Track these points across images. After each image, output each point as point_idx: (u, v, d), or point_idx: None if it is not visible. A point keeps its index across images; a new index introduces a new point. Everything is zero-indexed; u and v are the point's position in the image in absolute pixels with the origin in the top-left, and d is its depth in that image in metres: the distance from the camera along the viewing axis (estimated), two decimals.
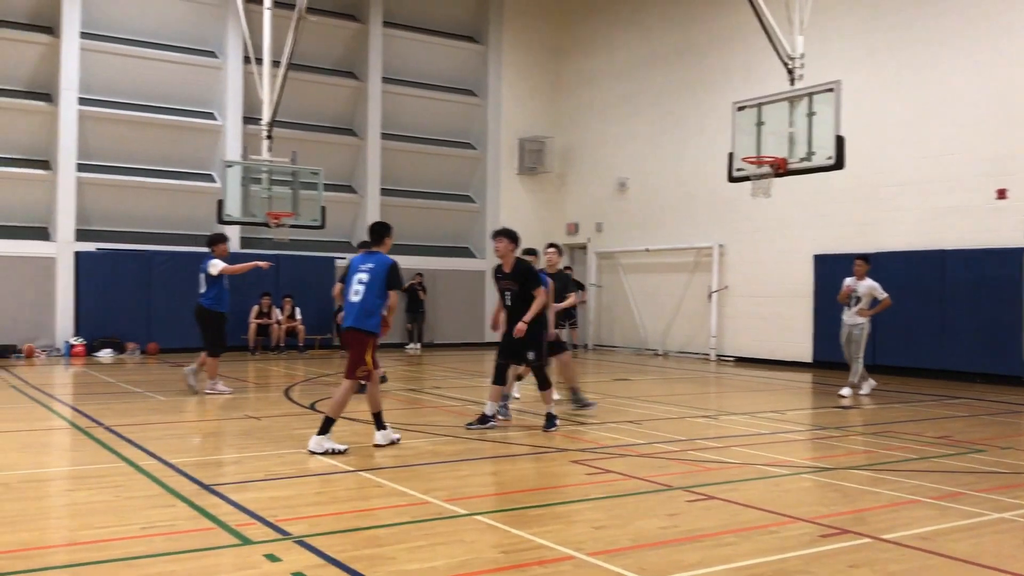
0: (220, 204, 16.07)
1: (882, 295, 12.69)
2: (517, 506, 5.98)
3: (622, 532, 5.36)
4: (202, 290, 11.95)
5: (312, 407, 10.94)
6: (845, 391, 12.67)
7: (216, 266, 11.86)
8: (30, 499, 6.28)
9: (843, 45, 16.83)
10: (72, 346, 18.25)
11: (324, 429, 7.79)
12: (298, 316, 20.07)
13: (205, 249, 12.43)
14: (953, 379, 14.33)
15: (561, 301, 10.94)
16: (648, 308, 21.38)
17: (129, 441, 8.28)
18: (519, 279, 9.21)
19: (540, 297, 9.15)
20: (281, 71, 16.18)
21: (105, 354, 18.36)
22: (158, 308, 19.19)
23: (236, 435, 9.09)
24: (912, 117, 16.01)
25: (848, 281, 12.80)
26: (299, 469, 7.17)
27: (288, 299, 20.02)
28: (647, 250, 21.22)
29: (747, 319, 18.81)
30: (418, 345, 21.56)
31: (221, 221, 16.24)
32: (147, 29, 20.12)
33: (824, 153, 11.09)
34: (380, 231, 8.27)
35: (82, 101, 19.03)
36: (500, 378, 9.39)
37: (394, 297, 7.98)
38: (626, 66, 22.28)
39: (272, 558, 4.75)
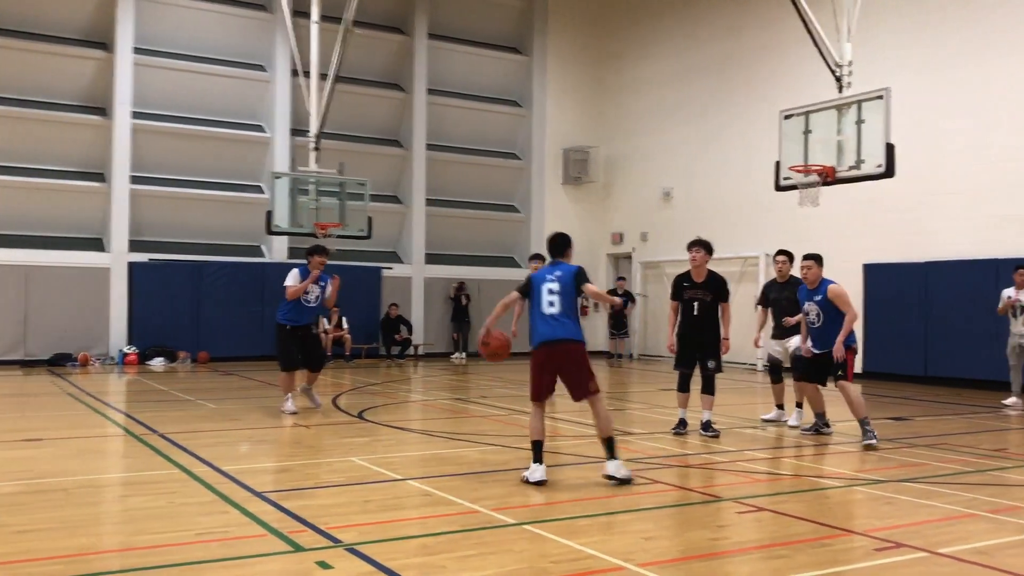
0: (269, 215, 16.29)
1: None
2: (566, 516, 5.98)
3: (672, 543, 5.34)
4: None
5: (360, 416, 11.03)
6: (1010, 400, 12.62)
7: (289, 280, 11.11)
8: (87, 504, 6.42)
9: (894, 52, 16.60)
10: (125, 355, 18.60)
11: (611, 453, 6.96)
12: (345, 326, 20.25)
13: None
14: (1010, 390, 14.00)
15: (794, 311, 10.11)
16: None
17: (182, 448, 8.42)
18: (712, 290, 9.68)
19: (727, 310, 9.76)
20: (328, 83, 16.39)
21: (157, 363, 18.69)
22: (208, 318, 19.50)
23: (286, 443, 9.20)
24: (966, 124, 15.72)
25: (1008, 292, 12.67)
26: (348, 477, 7.23)
27: (335, 309, 20.21)
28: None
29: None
30: (463, 354, 21.62)
31: (270, 232, 16.48)
32: (197, 44, 20.51)
33: (873, 161, 10.93)
34: (563, 243, 7.45)
35: (135, 115, 19.44)
36: (684, 385, 9.81)
37: (591, 288, 7.18)
38: (670, 75, 22.20)
39: (324, 565, 4.80)
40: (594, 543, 5.28)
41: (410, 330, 21.21)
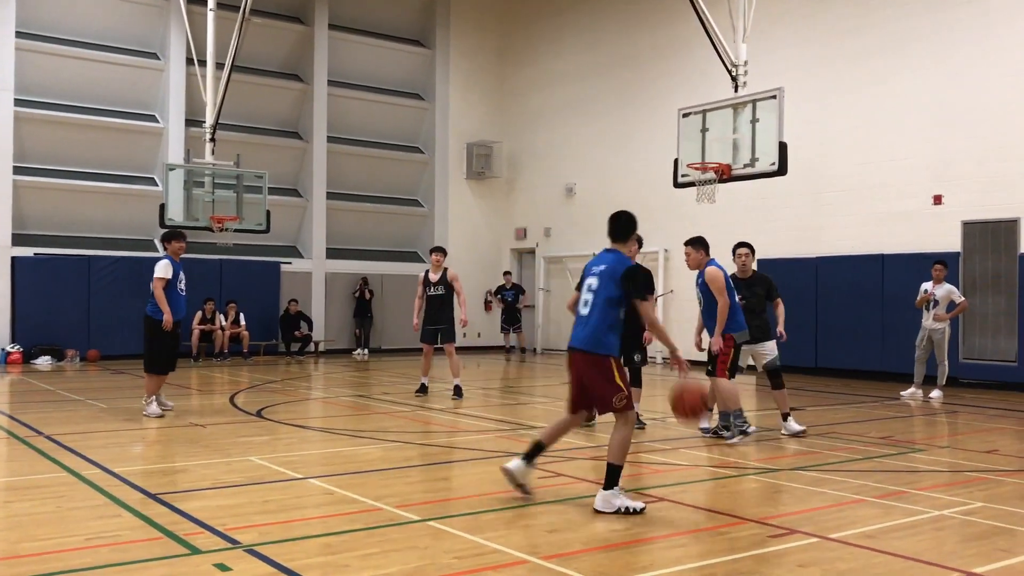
0: (162, 208, 15.84)
1: (960, 298, 13.01)
2: (470, 511, 5.97)
3: (575, 535, 5.39)
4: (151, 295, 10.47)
5: (259, 414, 10.80)
6: (936, 393, 12.89)
7: (160, 271, 10.23)
8: None
9: (787, 53, 17.16)
10: (8, 353, 17.77)
11: (610, 482, 5.96)
12: (242, 322, 19.80)
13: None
14: (894, 380, 14.65)
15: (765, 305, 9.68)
16: None
17: (70, 450, 8.09)
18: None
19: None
20: (225, 73, 15.99)
21: (43, 361, 17.92)
22: (99, 314, 18.80)
23: (181, 443, 8.93)
24: (854, 124, 16.39)
25: (926, 286, 13.07)
26: (247, 477, 7.06)
27: (232, 304, 19.74)
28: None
29: (692, 322, 18.95)
30: (365, 351, 21.41)
31: (163, 225, 16.00)
32: (85, 29, 19.72)
33: (767, 159, 11.27)
34: (627, 224, 6.35)
35: (17, 102, 18.57)
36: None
37: (644, 307, 6.01)
38: (573, 72, 22.43)
39: (222, 567, 4.67)
40: (498, 537, 5.29)
41: (310, 326, 20.87)
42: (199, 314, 19.10)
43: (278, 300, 20.97)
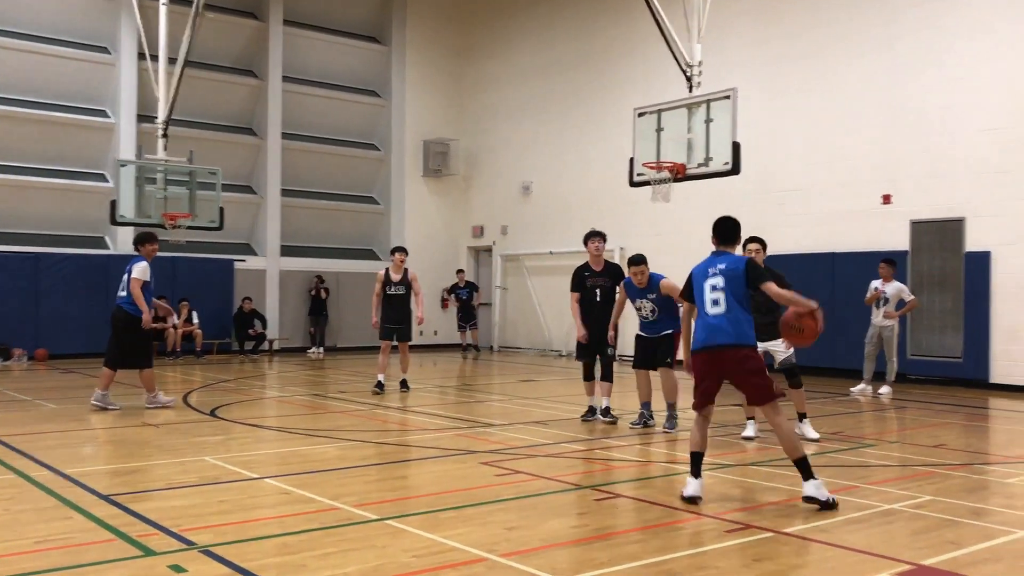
0: (113, 205, 15.55)
1: (909, 297, 13.22)
2: (428, 509, 5.97)
3: (533, 533, 5.41)
4: (122, 292, 10.85)
5: (213, 413, 10.68)
6: (885, 389, 13.15)
7: (139, 273, 10.65)
8: None
9: (741, 54, 17.36)
10: None
11: (807, 473, 6.01)
12: (195, 320, 19.54)
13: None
14: (844, 377, 14.91)
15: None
16: (552, 310, 21.58)
17: (19, 452, 7.93)
18: (612, 277, 10.12)
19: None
20: (178, 68, 15.74)
21: None
22: (47, 312, 18.44)
23: (134, 443, 8.80)
24: (806, 125, 16.64)
25: (876, 283, 13.27)
26: (201, 477, 6.98)
27: (185, 303, 19.47)
28: (551, 252, 21.43)
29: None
30: (320, 349, 21.26)
31: (114, 222, 15.74)
32: (33, 21, 19.29)
33: (721, 159, 11.38)
34: (734, 228, 6.56)
35: None
36: (589, 375, 10.14)
37: (771, 287, 6.30)
38: (530, 70, 22.47)
39: (177, 569, 4.62)
40: (456, 535, 5.30)
41: (264, 324, 20.65)
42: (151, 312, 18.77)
43: (232, 298, 20.73)
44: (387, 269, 12.97)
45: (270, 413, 11.57)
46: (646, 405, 9.78)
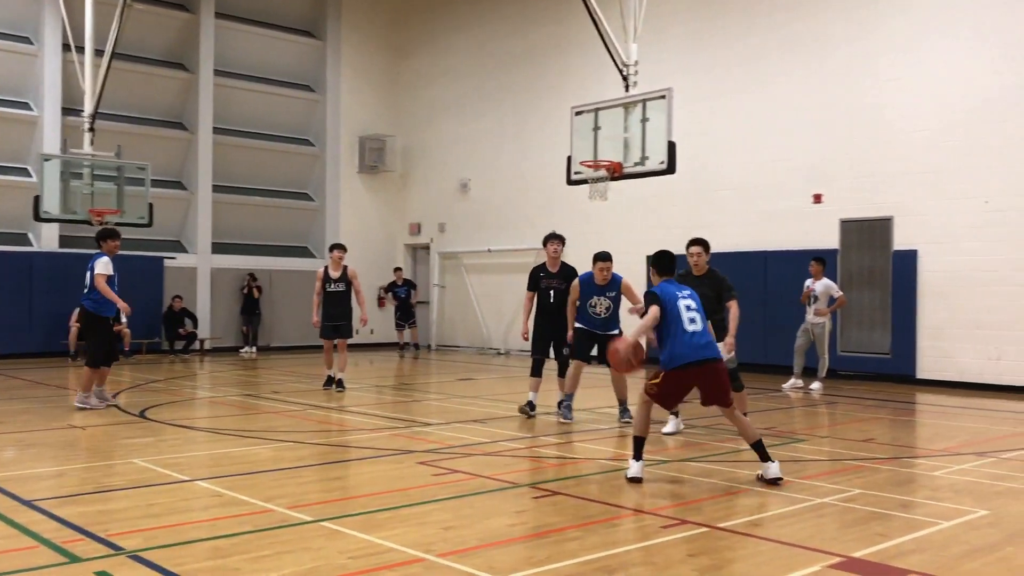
0: (37, 200, 15.11)
1: (838, 293, 13.46)
2: (364, 510, 5.90)
3: (471, 532, 5.38)
4: (86, 290, 10.77)
5: (142, 415, 10.42)
6: (816, 385, 13.38)
7: (103, 267, 10.57)
8: None
9: (676, 55, 17.55)
10: None
11: (765, 456, 6.76)
12: (123, 319, 18.99)
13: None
14: (777, 373, 15.18)
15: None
16: (490, 308, 21.58)
17: None
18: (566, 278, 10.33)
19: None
20: (105, 60, 15.33)
21: None
22: None
23: (59, 446, 8.54)
24: (739, 125, 16.89)
25: (807, 282, 13.52)
26: (130, 480, 6.80)
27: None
28: (489, 250, 21.42)
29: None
30: (253, 348, 20.92)
31: (38, 218, 15.31)
32: None
33: (657, 158, 11.46)
34: (672, 260, 7.34)
35: None
36: (538, 371, 10.44)
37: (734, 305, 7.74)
38: (467, 67, 22.42)
39: (104, 575, 4.48)
40: (393, 536, 5.24)
41: (195, 323, 20.23)
42: (77, 311, 18.28)
43: (161, 296, 20.25)
44: (326, 267, 12.98)
45: (202, 414, 11.34)
46: (570, 397, 10.00)
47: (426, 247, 23.47)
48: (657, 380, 6.85)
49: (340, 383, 12.95)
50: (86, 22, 15.41)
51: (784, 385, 13.72)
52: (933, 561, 4.87)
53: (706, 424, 9.88)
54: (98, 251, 10.89)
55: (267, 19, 22.79)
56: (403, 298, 21.38)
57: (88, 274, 10.73)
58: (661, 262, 7.25)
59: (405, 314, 21.42)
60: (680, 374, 6.77)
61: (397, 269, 22.06)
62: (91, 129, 15.55)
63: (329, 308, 12.86)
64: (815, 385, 13.43)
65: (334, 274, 12.85)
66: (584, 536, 5.33)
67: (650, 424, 6.98)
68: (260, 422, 10.20)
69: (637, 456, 6.86)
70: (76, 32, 15.77)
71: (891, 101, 14.99)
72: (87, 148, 15.47)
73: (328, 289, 12.84)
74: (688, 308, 6.84)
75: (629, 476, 6.78)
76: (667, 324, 6.80)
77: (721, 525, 5.55)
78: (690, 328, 6.76)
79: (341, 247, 13.06)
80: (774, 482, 6.66)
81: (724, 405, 6.87)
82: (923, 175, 14.59)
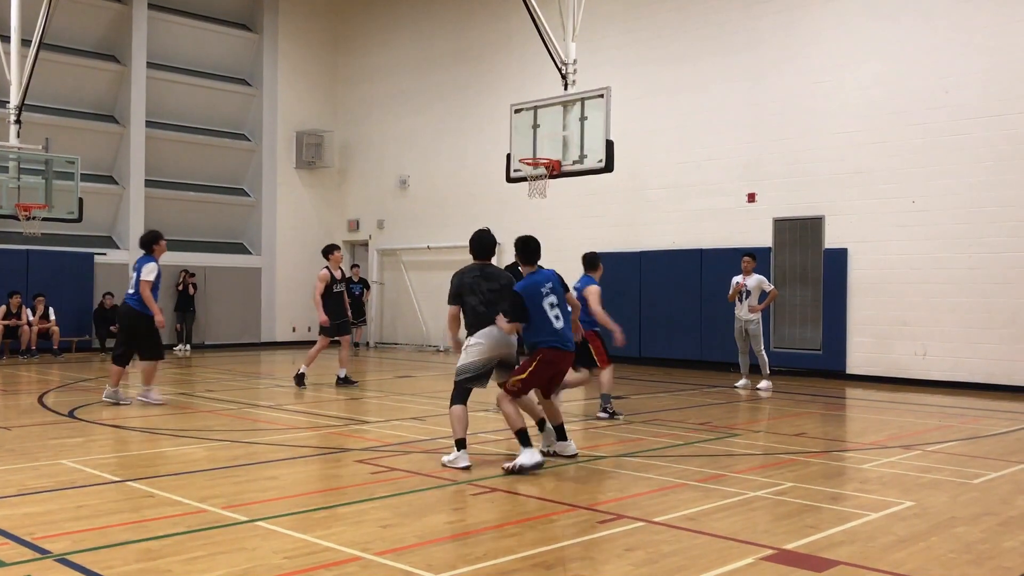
0: None
1: (769, 287, 13.43)
2: (301, 509, 5.84)
3: (409, 529, 5.36)
4: (131, 290, 10.98)
5: (71, 414, 10.16)
6: (763, 384, 13.20)
7: (150, 273, 10.81)
8: None
9: (614, 54, 17.70)
10: None
11: (527, 442, 7.17)
12: (52, 317, 18.56)
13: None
14: (713, 369, 15.41)
15: None
16: (430, 305, 21.50)
17: None
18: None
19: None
20: (32, 51, 14.90)
21: None
22: None
23: None
24: (675, 124, 17.11)
25: (737, 278, 13.41)
26: (58, 482, 6.63)
27: (40, 298, 18.46)
28: (428, 247, 21.34)
29: None
30: (187, 346, 20.55)
31: None
32: None
33: (595, 156, 11.53)
34: (537, 248, 7.86)
35: None
36: None
37: (573, 298, 7.91)
38: (406, 63, 22.30)
39: None
40: (330, 535, 5.20)
41: None
42: (3, 308, 17.79)
43: (92, 293, 19.77)
44: (327, 268, 13.40)
45: (134, 413, 11.08)
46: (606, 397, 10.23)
47: (365, 244, 23.29)
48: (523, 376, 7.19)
49: (301, 378, 13.13)
50: (12, 10, 14.96)
51: (736, 384, 13.63)
52: (861, 552, 5.00)
53: (643, 419, 9.99)
54: (145, 255, 11.07)
55: (201, 11, 22.38)
56: (356, 295, 21.14)
57: (135, 275, 10.94)
58: (524, 250, 7.76)
59: (357, 312, 21.18)
60: (552, 354, 7.22)
61: (355, 266, 21.84)
62: (17, 121, 15.11)
63: (339, 308, 13.29)
64: (763, 384, 13.26)
65: (338, 274, 13.39)
66: (522, 532, 5.36)
67: (521, 414, 7.27)
68: (194, 421, 10.03)
69: (526, 443, 7.08)
70: (1, 21, 15.29)
71: (822, 102, 15.32)
72: (13, 140, 15.03)
73: (335, 290, 13.28)
74: (552, 305, 7.27)
75: (529, 465, 6.94)
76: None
77: (657, 519, 5.62)
78: (557, 324, 7.24)
79: (339, 247, 13.71)
80: (522, 471, 6.93)
81: (552, 393, 7.57)
82: (853, 175, 14.94)
